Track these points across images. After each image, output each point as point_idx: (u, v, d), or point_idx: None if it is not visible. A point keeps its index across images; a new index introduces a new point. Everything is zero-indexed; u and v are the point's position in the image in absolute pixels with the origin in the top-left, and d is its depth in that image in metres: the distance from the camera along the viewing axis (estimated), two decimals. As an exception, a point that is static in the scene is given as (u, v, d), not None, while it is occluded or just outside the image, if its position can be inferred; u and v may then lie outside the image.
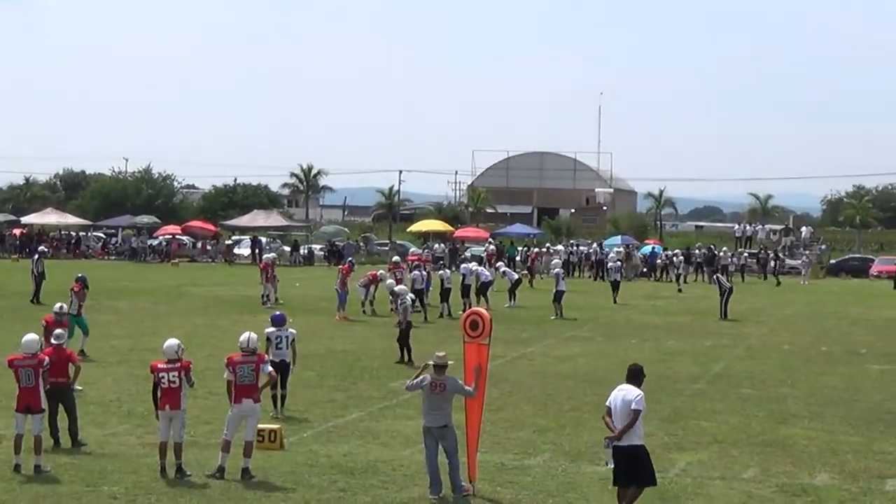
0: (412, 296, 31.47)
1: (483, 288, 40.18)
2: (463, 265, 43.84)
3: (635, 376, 13.67)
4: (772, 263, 63.97)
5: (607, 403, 13.59)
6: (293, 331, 20.25)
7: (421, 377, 14.93)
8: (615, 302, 44.83)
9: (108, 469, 15.74)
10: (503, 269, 46.47)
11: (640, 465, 13.34)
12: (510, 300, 42.03)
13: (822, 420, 20.50)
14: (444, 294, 38.47)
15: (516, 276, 44.68)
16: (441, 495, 14.56)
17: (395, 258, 45.39)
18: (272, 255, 47.88)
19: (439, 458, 14.71)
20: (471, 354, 15.07)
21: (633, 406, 13.24)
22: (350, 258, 49.43)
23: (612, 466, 13.38)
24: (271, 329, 19.98)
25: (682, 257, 59.67)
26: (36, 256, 41.32)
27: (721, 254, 62.95)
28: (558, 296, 38.69)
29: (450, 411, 14.78)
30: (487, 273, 42.76)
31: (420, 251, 53.92)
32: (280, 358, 19.75)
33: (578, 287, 51.48)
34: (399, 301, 28.45)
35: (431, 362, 14.92)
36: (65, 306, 22.55)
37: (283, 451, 17.05)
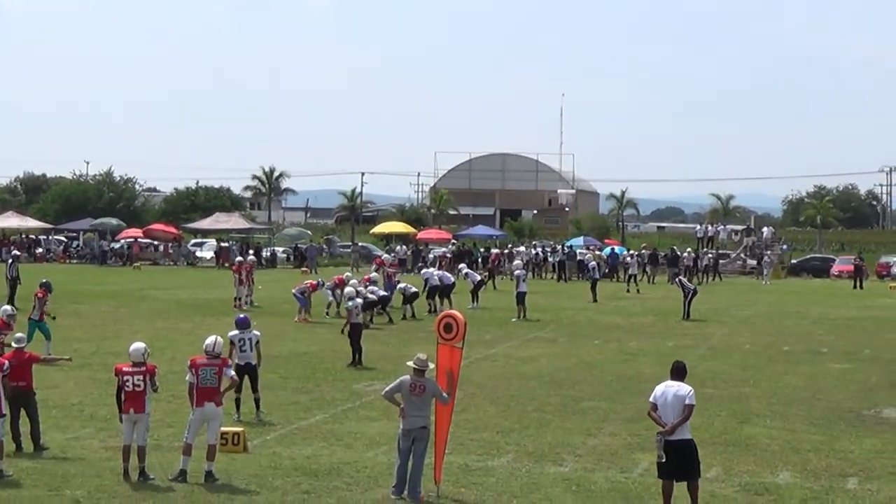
0: (360, 299, 30.63)
1: (446, 290, 40.23)
2: (423, 271, 43.91)
3: (679, 372, 13.97)
4: (695, 263, 63.82)
5: (652, 400, 13.87)
6: (257, 333, 20.22)
7: (397, 381, 14.94)
8: (595, 300, 45.44)
9: (71, 473, 15.65)
10: (465, 270, 46.56)
11: (691, 459, 13.70)
12: (473, 302, 42.07)
13: (783, 419, 20.65)
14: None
15: (479, 278, 44.78)
16: (403, 496, 14.59)
17: (387, 257, 46.16)
18: (251, 257, 47.87)
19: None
20: (443, 356, 15.07)
21: (686, 401, 13.57)
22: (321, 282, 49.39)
23: (664, 460, 13.63)
24: (234, 332, 19.90)
25: (635, 258, 59.73)
26: (10, 261, 41.07)
27: (685, 255, 63.09)
28: (520, 297, 38.79)
29: (429, 413, 14.82)
30: (449, 276, 42.78)
31: (386, 255, 53.76)
32: (245, 361, 19.71)
33: (541, 288, 51.61)
34: (345, 302, 28.29)
35: (411, 363, 14.92)
36: (8, 308, 22.17)
37: (247, 453, 17.00)
